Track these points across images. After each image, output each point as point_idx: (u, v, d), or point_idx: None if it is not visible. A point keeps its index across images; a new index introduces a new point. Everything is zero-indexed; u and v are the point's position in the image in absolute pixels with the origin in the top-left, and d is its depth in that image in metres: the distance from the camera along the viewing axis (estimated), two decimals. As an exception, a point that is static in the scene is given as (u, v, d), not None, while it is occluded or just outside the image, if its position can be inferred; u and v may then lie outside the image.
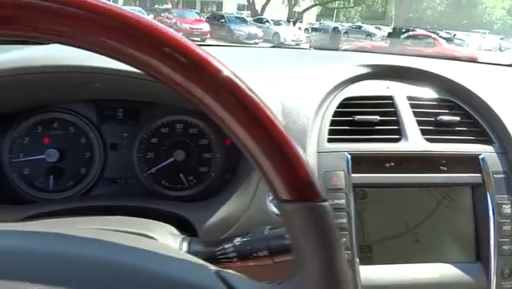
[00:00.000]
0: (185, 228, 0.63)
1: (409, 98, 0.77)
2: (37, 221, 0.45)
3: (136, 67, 0.29)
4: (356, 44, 11.34)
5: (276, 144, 0.31)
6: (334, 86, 0.76)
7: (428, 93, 0.80)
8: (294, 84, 0.76)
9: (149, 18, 0.30)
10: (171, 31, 0.29)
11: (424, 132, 0.73)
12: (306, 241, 0.32)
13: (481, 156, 0.72)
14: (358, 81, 0.80)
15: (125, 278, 0.30)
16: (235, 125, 0.31)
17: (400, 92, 0.78)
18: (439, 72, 0.83)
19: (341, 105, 0.75)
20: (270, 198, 0.66)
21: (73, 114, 0.75)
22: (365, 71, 0.82)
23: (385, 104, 0.76)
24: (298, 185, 0.32)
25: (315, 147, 0.69)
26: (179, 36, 0.29)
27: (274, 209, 0.66)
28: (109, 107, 0.77)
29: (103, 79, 0.61)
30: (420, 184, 0.70)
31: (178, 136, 0.78)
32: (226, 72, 0.30)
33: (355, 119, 0.73)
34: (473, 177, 0.71)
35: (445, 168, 0.71)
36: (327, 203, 0.32)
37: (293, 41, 15.61)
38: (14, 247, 0.31)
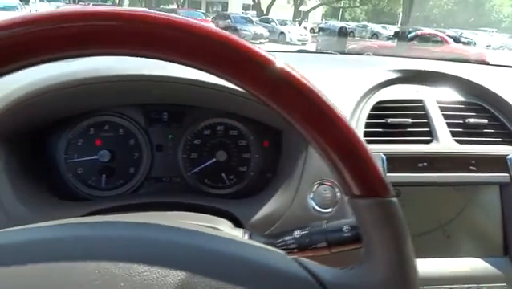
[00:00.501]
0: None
1: (438, 101, 0.82)
2: (113, 215, 0.49)
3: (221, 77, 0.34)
4: (363, 44, 11.36)
5: (349, 145, 0.36)
6: (367, 90, 0.81)
7: (455, 96, 0.85)
8: (327, 89, 0.80)
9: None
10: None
11: (453, 134, 0.77)
12: (377, 232, 0.36)
13: (508, 157, 0.76)
14: (388, 85, 0.84)
15: (213, 262, 0.35)
16: (313, 131, 0.36)
17: (430, 96, 0.83)
18: (464, 76, 0.88)
19: (374, 108, 0.79)
20: (311, 196, 0.71)
21: (123, 117, 0.80)
22: (395, 75, 0.86)
23: (416, 107, 0.80)
24: (370, 183, 0.36)
25: None
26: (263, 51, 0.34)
27: (315, 206, 0.70)
28: (155, 111, 0.81)
29: (163, 86, 0.66)
30: (451, 183, 0.75)
31: (219, 138, 0.83)
32: (309, 85, 0.34)
33: (387, 121, 0.78)
34: (500, 176, 0.75)
35: (474, 168, 0.75)
36: (395, 198, 0.37)
37: (299, 40, 15.64)
38: (120, 235, 0.36)
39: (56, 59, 0.32)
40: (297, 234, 0.53)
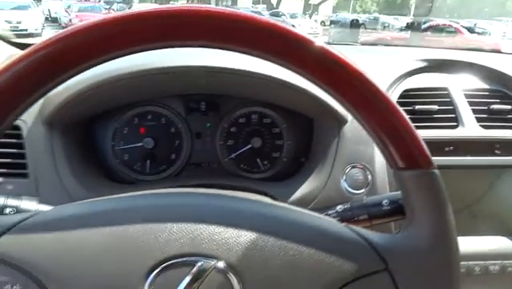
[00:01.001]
0: None
1: (463, 88, 0.86)
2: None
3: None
4: (376, 36, 11.28)
5: (395, 123, 0.40)
6: (394, 79, 0.85)
7: (479, 84, 0.88)
8: None
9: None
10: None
11: (478, 120, 0.81)
12: (420, 201, 0.41)
13: None
14: (414, 74, 0.89)
15: (277, 226, 0.40)
16: (363, 110, 0.41)
17: (455, 83, 0.87)
18: (487, 64, 0.91)
19: (401, 96, 0.83)
20: (344, 178, 0.76)
21: (165, 107, 0.85)
22: (420, 64, 0.90)
23: (442, 95, 0.85)
24: (414, 156, 0.41)
25: None
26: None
27: (348, 188, 0.75)
28: (194, 101, 0.87)
29: (210, 76, 0.71)
30: (476, 166, 0.79)
31: (254, 126, 0.88)
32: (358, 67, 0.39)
33: (415, 108, 0.82)
34: None
35: (499, 152, 0.79)
36: (437, 170, 0.41)
37: (309, 34, 15.57)
38: (196, 202, 0.42)
39: (139, 51, 0.37)
40: (339, 208, 0.58)
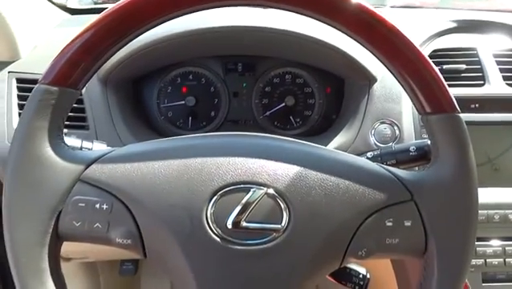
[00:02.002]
0: None
1: (492, 48, 0.88)
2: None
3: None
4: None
5: (424, 72, 0.46)
6: (423, 40, 0.88)
7: (507, 43, 0.90)
8: None
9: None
10: None
11: (505, 78, 0.84)
12: (445, 141, 0.47)
13: None
14: (444, 35, 0.91)
15: (319, 162, 0.46)
16: (395, 61, 0.46)
17: (483, 43, 0.89)
18: None
19: (430, 56, 0.87)
20: (372, 133, 0.81)
21: (204, 68, 0.92)
22: (450, 25, 0.93)
23: (470, 54, 0.88)
24: (440, 101, 0.46)
25: None
26: None
27: (376, 142, 0.81)
28: (231, 62, 0.93)
29: (252, 35, 0.77)
30: (501, 122, 0.83)
31: (287, 85, 0.94)
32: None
33: (443, 68, 0.85)
34: None
35: None
36: (460, 114, 0.47)
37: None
38: (241, 141, 0.49)
39: (207, 9, 0.44)
40: (370, 154, 0.64)
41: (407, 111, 0.81)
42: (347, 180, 0.45)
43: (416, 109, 0.49)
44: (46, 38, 0.90)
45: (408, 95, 0.48)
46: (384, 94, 0.82)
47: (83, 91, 0.79)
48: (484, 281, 0.79)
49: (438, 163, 0.47)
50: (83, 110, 0.79)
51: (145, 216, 0.43)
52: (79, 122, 0.79)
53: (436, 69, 0.46)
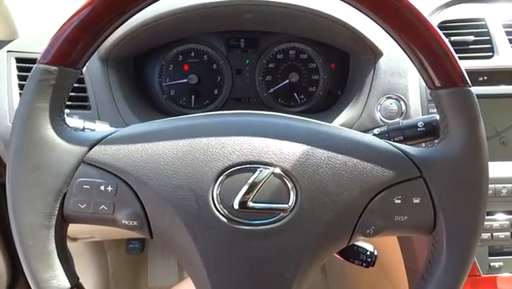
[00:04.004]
0: None
1: (501, 18, 0.86)
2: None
3: None
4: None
5: (435, 45, 0.44)
6: (431, 11, 0.86)
7: None
8: None
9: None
10: None
11: None
12: (455, 116, 0.45)
13: None
14: (452, 5, 0.89)
15: (325, 139, 0.45)
16: (405, 34, 0.44)
17: (492, 14, 0.86)
18: None
19: (438, 28, 0.84)
20: (378, 108, 0.80)
21: (206, 45, 0.90)
22: None
23: (478, 25, 0.85)
24: (450, 75, 0.45)
25: None
26: None
27: (382, 118, 0.79)
28: (233, 38, 0.91)
29: (255, 9, 0.75)
30: (510, 94, 0.81)
31: (291, 61, 0.92)
32: None
33: (451, 39, 0.83)
34: None
35: None
36: (471, 88, 0.45)
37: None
38: (246, 119, 0.48)
39: None
40: (376, 130, 0.63)
41: (413, 86, 0.80)
42: (354, 157, 0.45)
43: (426, 83, 0.47)
44: (45, 16, 0.87)
45: (417, 68, 0.47)
46: (390, 68, 0.80)
47: (84, 70, 0.78)
48: (490, 254, 0.80)
49: (448, 139, 0.46)
50: (84, 90, 0.78)
51: (151, 197, 0.43)
52: (80, 102, 0.78)
53: (447, 41, 0.44)
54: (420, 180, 0.45)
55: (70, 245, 1.16)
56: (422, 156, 0.46)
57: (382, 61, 0.80)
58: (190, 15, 0.74)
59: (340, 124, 0.81)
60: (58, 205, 0.43)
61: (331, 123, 0.82)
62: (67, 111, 0.77)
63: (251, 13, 0.77)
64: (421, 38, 0.44)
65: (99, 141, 0.45)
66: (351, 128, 0.81)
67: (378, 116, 0.80)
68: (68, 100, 0.77)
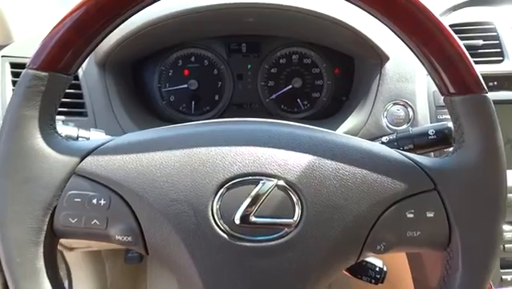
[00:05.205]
0: None
1: (510, 22, 0.83)
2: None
3: None
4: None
5: (450, 49, 0.41)
6: (438, 14, 0.83)
7: None
8: None
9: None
10: None
11: None
12: (470, 125, 0.42)
13: None
14: (459, 8, 0.86)
15: (333, 149, 0.43)
16: (417, 38, 0.42)
17: (501, 17, 0.84)
18: None
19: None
20: (385, 115, 0.77)
21: (207, 49, 0.87)
22: None
23: (487, 29, 0.82)
24: (466, 80, 0.42)
25: (424, 70, 0.78)
26: None
27: (389, 124, 0.77)
28: (234, 42, 0.89)
29: (257, 13, 0.72)
30: None
31: (294, 66, 0.89)
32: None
33: None
34: None
35: None
36: (488, 94, 0.43)
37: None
38: (248, 128, 0.45)
39: None
40: (385, 138, 0.60)
41: (421, 91, 0.77)
42: (363, 168, 0.42)
43: (439, 89, 0.45)
44: (40, 20, 0.85)
45: (430, 73, 0.44)
46: (396, 73, 0.77)
47: (80, 75, 0.75)
48: (502, 267, 0.76)
49: (463, 148, 0.43)
50: (80, 96, 0.75)
51: (146, 211, 0.40)
52: (76, 108, 0.75)
53: (462, 45, 0.42)
54: (434, 192, 0.42)
55: (67, 255, 1.14)
56: (436, 167, 0.43)
57: (388, 65, 0.78)
58: (190, 19, 0.72)
59: (345, 130, 0.78)
60: (47, 220, 0.40)
61: (335, 130, 0.79)
62: (62, 117, 0.76)
63: (253, 16, 0.75)
64: (434, 40, 0.41)
65: (91, 151, 0.42)
66: (356, 135, 0.78)
67: (384, 122, 0.77)
68: (64, 107, 0.76)
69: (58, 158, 0.41)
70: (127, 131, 0.74)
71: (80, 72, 0.75)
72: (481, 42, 0.81)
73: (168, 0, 0.70)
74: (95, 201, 0.40)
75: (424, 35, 0.41)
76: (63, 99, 0.74)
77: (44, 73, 0.40)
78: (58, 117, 0.73)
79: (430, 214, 0.42)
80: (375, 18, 0.43)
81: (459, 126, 0.44)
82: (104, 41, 0.72)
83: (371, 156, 0.43)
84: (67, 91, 0.74)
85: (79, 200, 0.41)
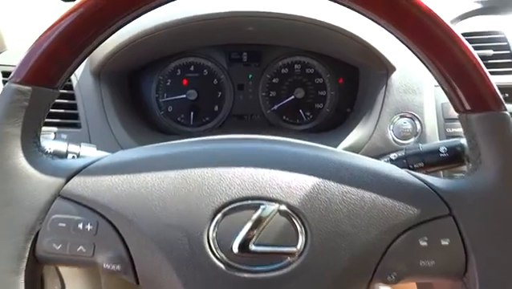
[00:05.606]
0: None
1: None
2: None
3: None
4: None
5: (467, 64, 0.38)
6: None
7: None
8: None
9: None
10: None
11: None
12: (488, 144, 0.39)
13: None
14: (468, 17, 0.83)
15: (340, 170, 0.40)
16: (430, 52, 0.39)
17: (511, 26, 0.81)
18: None
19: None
20: (391, 128, 0.74)
21: (207, 58, 0.85)
22: (474, 7, 0.84)
23: (497, 39, 0.79)
24: (484, 97, 0.39)
25: (432, 81, 0.75)
26: None
27: (395, 138, 0.73)
28: (235, 52, 0.86)
29: (258, 22, 0.69)
30: None
31: (296, 76, 0.86)
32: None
33: None
34: None
35: None
36: (508, 112, 0.39)
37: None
38: (256, 147, 0.42)
39: None
40: (393, 156, 0.57)
41: (429, 104, 0.74)
42: (373, 192, 0.39)
43: (453, 105, 0.41)
44: (34, 28, 0.82)
45: (443, 88, 0.41)
46: (403, 84, 0.74)
47: (74, 84, 0.73)
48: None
49: (480, 170, 0.40)
50: (74, 106, 0.72)
51: (136, 238, 0.37)
52: (69, 119, 0.72)
53: (479, 59, 0.39)
54: (449, 218, 0.39)
55: (61, 269, 1.10)
56: (451, 190, 0.40)
57: (394, 76, 0.75)
58: (189, 27, 0.69)
59: (350, 144, 0.75)
60: (29, 246, 0.37)
61: (339, 142, 0.76)
62: (54, 129, 0.73)
63: (254, 25, 0.72)
64: (448, 53, 0.38)
65: (78, 171, 0.39)
66: (361, 148, 0.75)
67: (391, 135, 0.74)
68: (57, 117, 0.73)
69: (41, 179, 0.38)
70: (121, 143, 0.71)
71: (74, 82, 0.72)
72: (491, 52, 0.77)
73: (165, 8, 0.67)
74: (81, 225, 0.37)
75: (437, 47, 0.38)
76: (56, 110, 0.72)
77: (27, 87, 0.37)
78: (50, 128, 0.71)
79: (445, 242, 0.38)
80: (384, 28, 0.40)
81: (475, 145, 0.41)
82: (100, 50, 0.70)
83: (381, 177, 0.40)
84: (60, 101, 0.72)
85: (63, 224, 0.37)
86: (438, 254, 0.38)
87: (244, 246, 0.36)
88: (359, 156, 0.43)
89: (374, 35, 0.71)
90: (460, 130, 0.73)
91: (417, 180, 0.41)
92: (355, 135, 0.76)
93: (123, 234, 0.37)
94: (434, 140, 0.72)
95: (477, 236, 0.39)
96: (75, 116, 0.72)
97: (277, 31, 0.76)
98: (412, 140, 0.73)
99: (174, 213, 0.37)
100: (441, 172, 0.69)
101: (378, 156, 0.59)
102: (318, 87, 0.87)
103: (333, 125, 0.85)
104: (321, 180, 0.39)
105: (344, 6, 0.39)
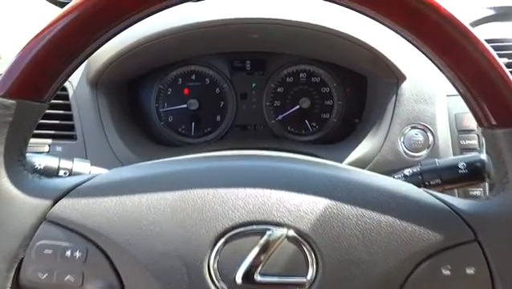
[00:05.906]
0: None
1: None
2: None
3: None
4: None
5: (491, 71, 0.35)
6: None
7: None
8: None
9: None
10: None
11: None
12: None
13: None
14: (481, 24, 0.80)
15: (353, 191, 0.36)
16: (453, 62, 0.35)
17: None
18: None
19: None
20: (402, 140, 0.70)
21: (208, 67, 0.82)
22: (487, 13, 0.81)
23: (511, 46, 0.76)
24: (509, 112, 0.35)
25: (445, 90, 0.71)
26: None
27: (406, 150, 0.70)
28: (238, 59, 0.83)
29: (263, 29, 0.66)
30: None
31: (302, 85, 0.83)
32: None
33: None
34: None
35: None
36: None
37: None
38: (262, 165, 0.39)
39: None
40: (408, 172, 0.53)
41: (441, 114, 0.70)
42: (390, 215, 0.35)
43: (476, 120, 0.38)
44: (29, 35, 0.80)
45: (466, 101, 0.38)
46: (414, 94, 0.71)
47: (71, 94, 0.70)
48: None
49: (507, 190, 0.37)
50: (70, 117, 0.69)
51: (129, 266, 0.34)
52: (65, 131, 0.69)
53: (507, 70, 0.35)
54: (474, 244, 0.35)
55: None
56: (475, 213, 0.36)
57: (405, 86, 0.71)
58: (191, 34, 0.66)
59: (358, 156, 0.71)
60: (11, 276, 0.34)
61: (347, 155, 0.73)
62: (49, 141, 0.70)
63: (257, 32, 0.69)
64: (472, 62, 0.35)
65: (67, 192, 0.36)
66: (370, 161, 0.71)
67: (402, 148, 0.70)
68: (51, 129, 0.70)
69: (26, 200, 0.35)
70: (119, 155, 0.68)
71: (70, 91, 0.69)
72: (505, 60, 0.74)
73: (166, 15, 0.64)
74: (69, 253, 0.34)
75: (459, 56, 0.35)
76: (51, 121, 0.69)
77: (11, 101, 0.34)
78: (44, 141, 0.68)
79: (470, 271, 0.35)
80: (400, 35, 0.36)
81: (502, 163, 0.37)
82: (97, 58, 0.67)
83: (398, 199, 0.36)
84: (55, 112, 0.69)
85: (50, 251, 0.34)
86: (462, 284, 0.35)
87: (248, 276, 0.33)
88: (373, 173, 0.40)
89: (383, 43, 0.67)
90: (474, 142, 0.70)
91: (438, 201, 0.37)
92: (364, 147, 0.72)
93: (115, 262, 0.34)
94: (447, 152, 0.69)
95: (505, 264, 0.35)
96: (71, 128, 0.69)
97: (282, 39, 0.73)
98: (424, 152, 0.69)
99: (171, 240, 0.33)
100: (456, 191, 0.65)
101: (389, 171, 0.56)
102: (325, 96, 0.83)
103: (340, 136, 0.82)
104: (333, 202, 0.35)
105: (357, 11, 0.36)
